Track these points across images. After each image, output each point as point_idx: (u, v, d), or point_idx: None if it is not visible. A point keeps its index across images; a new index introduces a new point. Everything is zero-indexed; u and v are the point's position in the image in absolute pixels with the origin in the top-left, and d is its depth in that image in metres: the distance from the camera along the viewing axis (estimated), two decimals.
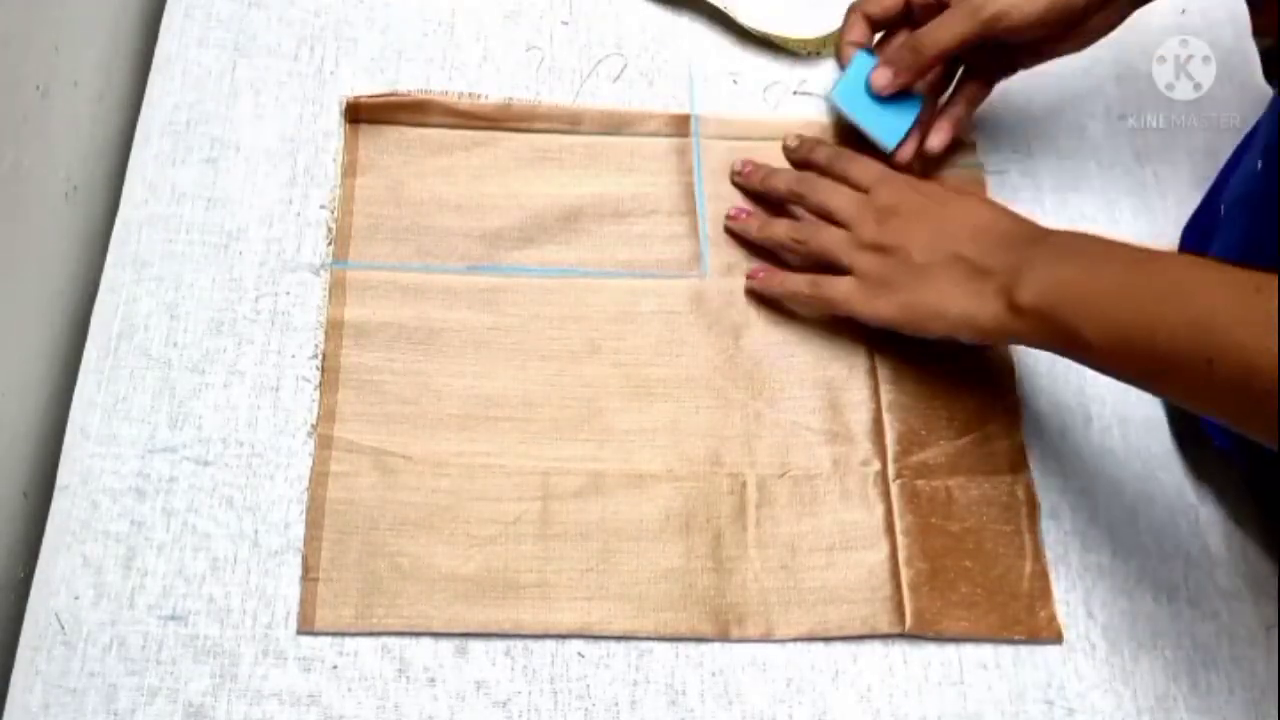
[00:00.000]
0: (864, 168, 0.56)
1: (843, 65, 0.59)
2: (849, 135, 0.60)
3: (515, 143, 0.58)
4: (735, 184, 0.59)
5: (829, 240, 0.54)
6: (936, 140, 0.58)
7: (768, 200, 0.58)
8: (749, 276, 0.56)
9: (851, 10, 0.59)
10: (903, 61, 0.56)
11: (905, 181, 0.55)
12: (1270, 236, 0.50)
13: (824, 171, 0.57)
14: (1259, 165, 0.51)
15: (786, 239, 0.55)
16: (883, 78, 0.56)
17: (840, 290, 0.53)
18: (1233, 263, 0.42)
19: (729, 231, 0.58)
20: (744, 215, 0.57)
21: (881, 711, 0.49)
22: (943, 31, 0.54)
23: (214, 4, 0.59)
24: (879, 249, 0.52)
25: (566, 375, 0.53)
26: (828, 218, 0.55)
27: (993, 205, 0.53)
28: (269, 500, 0.49)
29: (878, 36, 0.59)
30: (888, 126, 0.58)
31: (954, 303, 0.49)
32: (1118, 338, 0.44)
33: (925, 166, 0.60)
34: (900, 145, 0.58)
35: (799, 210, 0.57)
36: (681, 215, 0.58)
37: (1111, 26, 0.54)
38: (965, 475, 0.53)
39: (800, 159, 0.59)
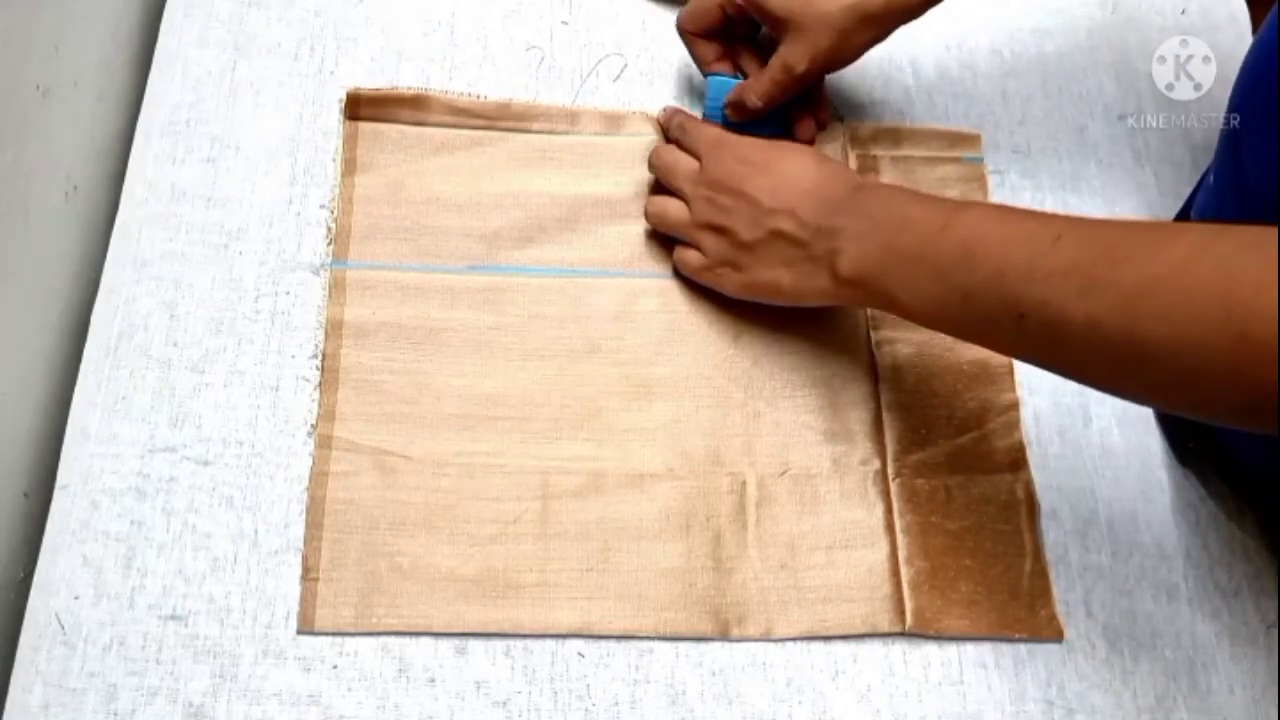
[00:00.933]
0: (697, 136, 0.56)
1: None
2: None
3: (515, 142, 0.58)
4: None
5: (675, 218, 0.55)
6: (804, 134, 0.59)
7: None
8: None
9: (680, 32, 0.59)
10: (742, 110, 0.57)
11: (730, 149, 0.54)
12: None
13: (675, 143, 0.58)
14: (1212, 179, 0.51)
15: (649, 219, 0.57)
16: (732, 109, 0.58)
17: (691, 263, 0.55)
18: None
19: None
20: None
21: (881, 711, 0.49)
22: (758, 88, 0.55)
23: (214, 4, 0.60)
24: (714, 230, 0.53)
25: (566, 375, 0.53)
26: (674, 193, 0.56)
27: (808, 162, 0.53)
28: (269, 500, 0.49)
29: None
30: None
31: (784, 279, 0.51)
32: (932, 303, 0.45)
33: (931, 163, 0.60)
34: None
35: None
36: None
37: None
38: (965, 474, 0.53)
39: (663, 133, 0.60)
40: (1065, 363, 0.42)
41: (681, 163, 0.56)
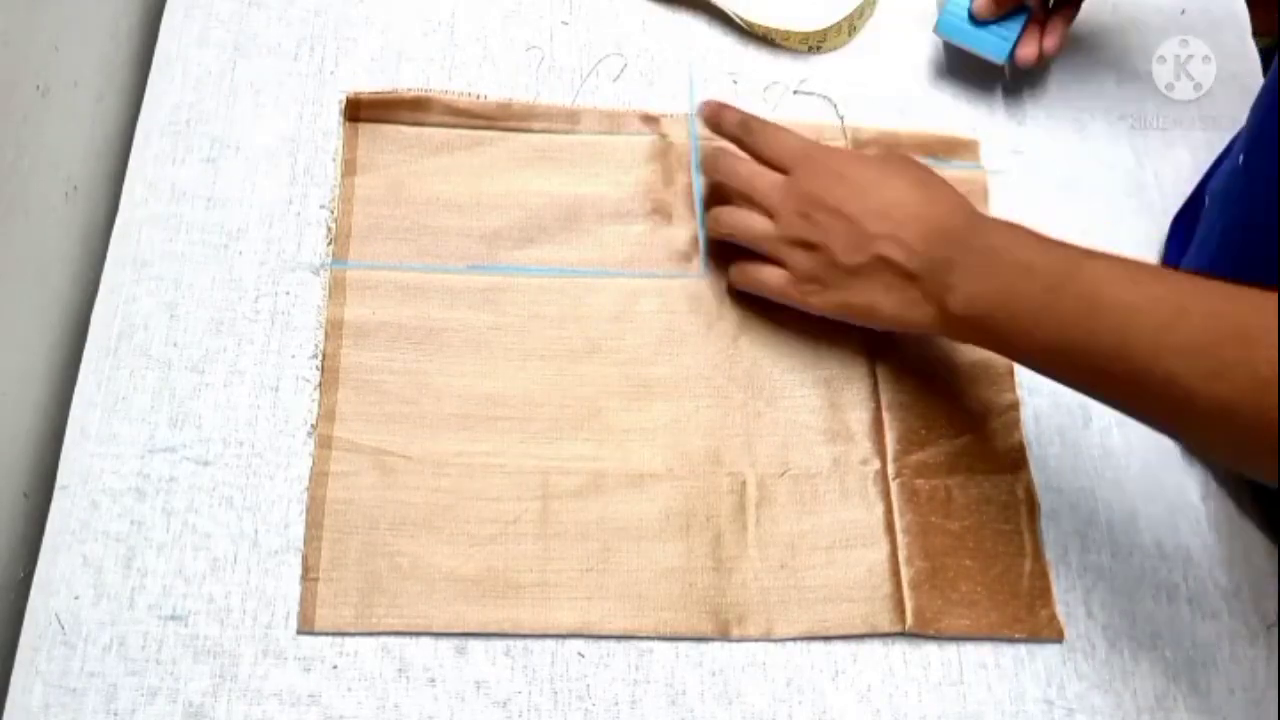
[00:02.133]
0: (780, 144, 0.53)
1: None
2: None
3: (515, 142, 0.58)
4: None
5: (757, 231, 0.53)
6: (1051, 42, 0.59)
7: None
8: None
9: None
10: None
11: (824, 161, 0.52)
12: (1246, 233, 0.50)
13: (740, 145, 0.55)
14: (1240, 160, 0.51)
15: (722, 228, 0.55)
16: (983, 6, 0.58)
17: (774, 281, 0.53)
18: (1210, 272, 0.42)
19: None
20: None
21: (881, 711, 0.49)
22: None
23: (214, 4, 0.59)
24: (805, 246, 0.51)
25: (566, 375, 0.53)
26: (751, 204, 0.53)
27: (915, 181, 0.51)
28: (269, 500, 0.49)
29: None
30: (995, 44, 0.59)
31: (886, 306, 0.50)
32: (1049, 354, 0.45)
33: None
34: (1013, 53, 0.59)
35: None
36: (681, 215, 0.58)
37: None
38: (965, 474, 0.53)
39: (714, 130, 0.57)
40: (1188, 436, 0.41)
41: (763, 174, 0.53)
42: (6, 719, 0.44)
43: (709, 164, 0.56)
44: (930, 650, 0.50)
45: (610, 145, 0.59)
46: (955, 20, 0.60)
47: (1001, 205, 0.60)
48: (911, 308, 0.49)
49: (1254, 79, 0.66)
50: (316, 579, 0.48)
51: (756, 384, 0.54)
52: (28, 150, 0.49)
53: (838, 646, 0.50)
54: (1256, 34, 0.68)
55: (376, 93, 0.58)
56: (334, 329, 0.53)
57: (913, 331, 0.50)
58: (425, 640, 0.48)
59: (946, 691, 0.49)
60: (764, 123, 0.55)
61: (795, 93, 0.62)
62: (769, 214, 0.52)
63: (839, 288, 0.51)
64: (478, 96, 0.59)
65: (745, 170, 0.54)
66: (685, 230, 0.57)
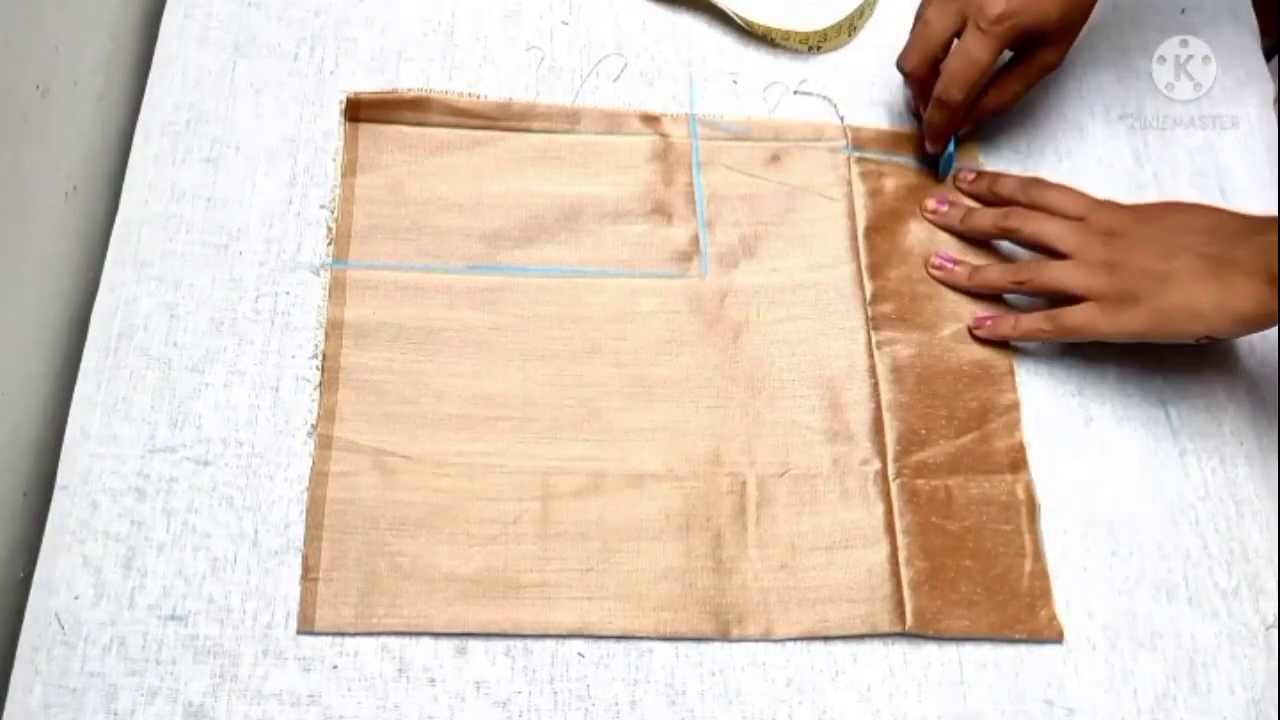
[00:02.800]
0: (1069, 196, 0.56)
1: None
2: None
3: (515, 142, 0.58)
4: (929, 220, 0.59)
5: (1057, 273, 0.54)
6: (991, 99, 0.59)
7: (967, 238, 0.59)
8: (975, 326, 0.57)
9: (903, 73, 0.59)
10: (936, 128, 0.57)
11: (1116, 204, 0.55)
12: None
13: (1018, 203, 0.57)
14: None
15: (1006, 282, 0.56)
16: (930, 148, 0.59)
17: (1081, 317, 0.53)
18: None
19: (936, 279, 0.58)
20: (949, 264, 0.58)
21: (881, 711, 0.49)
22: (956, 85, 0.55)
23: (214, 4, 0.59)
24: (1111, 267, 0.52)
25: (566, 375, 0.53)
26: (1044, 250, 0.55)
27: (1207, 207, 0.54)
28: (269, 500, 0.49)
29: None
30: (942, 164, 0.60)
31: (1207, 299, 0.50)
32: None
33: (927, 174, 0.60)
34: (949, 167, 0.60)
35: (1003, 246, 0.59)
36: (681, 215, 0.58)
37: None
38: (965, 475, 0.53)
39: (984, 191, 0.59)
40: None
41: (1057, 220, 0.55)
42: (6, 719, 0.44)
43: (967, 223, 0.58)
44: (930, 650, 0.50)
45: (610, 145, 0.59)
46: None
47: None
48: (1234, 292, 0.49)
49: (1254, 79, 0.66)
50: (316, 579, 0.48)
51: (757, 384, 0.54)
52: (28, 150, 0.49)
53: (838, 646, 0.50)
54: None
55: (377, 93, 0.58)
56: (334, 329, 0.53)
57: (1232, 328, 0.50)
58: (425, 640, 0.48)
59: (946, 691, 0.49)
60: (1047, 182, 0.58)
61: (795, 93, 0.62)
62: (1064, 255, 0.54)
63: (1152, 298, 0.51)
64: (478, 96, 0.59)
65: (1038, 217, 0.56)
66: (686, 230, 0.57)
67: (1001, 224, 0.57)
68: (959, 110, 0.56)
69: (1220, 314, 0.49)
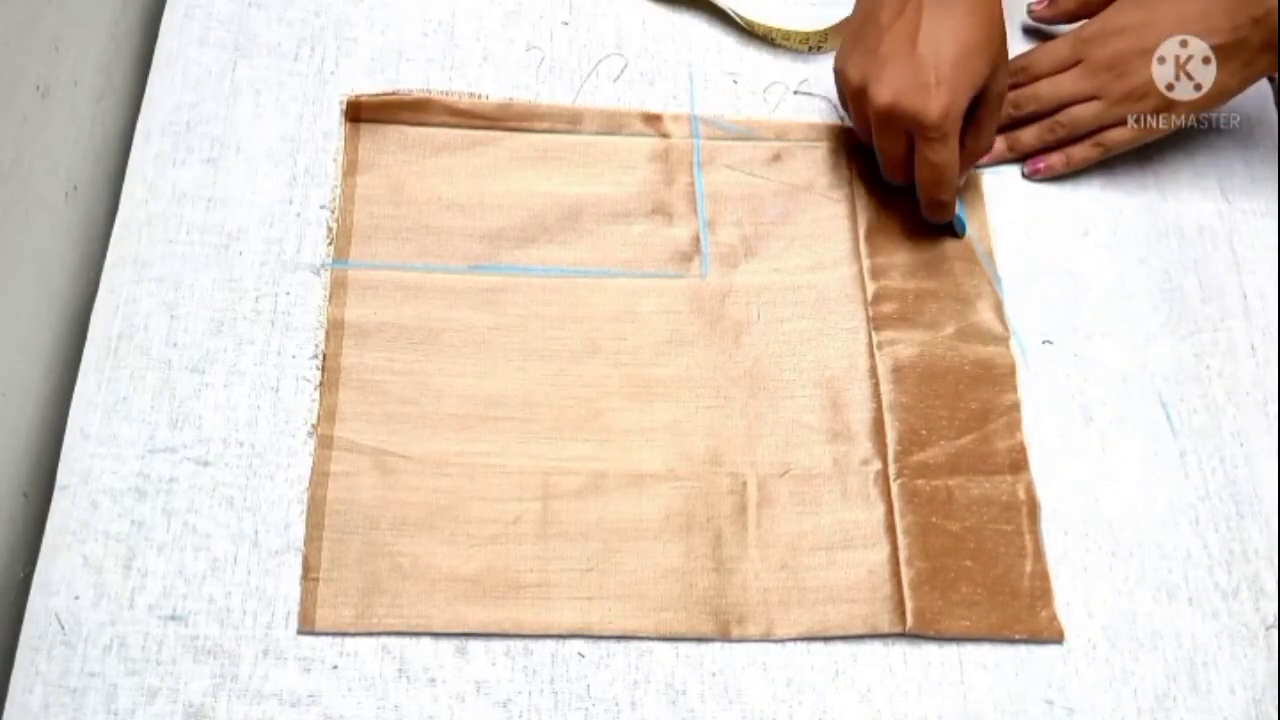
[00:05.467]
0: (1053, 53, 0.60)
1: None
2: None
3: (516, 142, 0.58)
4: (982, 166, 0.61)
5: (1086, 118, 0.59)
6: (975, 143, 0.58)
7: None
8: (1030, 170, 0.61)
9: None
10: (939, 215, 0.58)
11: (1098, 26, 0.59)
12: None
13: (1020, 87, 0.60)
14: None
15: (1042, 141, 0.60)
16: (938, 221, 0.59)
17: (1124, 136, 0.59)
18: None
19: (1041, 178, 0.61)
20: (1040, 165, 0.61)
21: (881, 711, 0.49)
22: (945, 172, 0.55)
23: (214, 4, 0.59)
24: (1133, 95, 0.57)
25: (567, 375, 0.53)
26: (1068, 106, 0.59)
27: None
28: (269, 500, 0.49)
29: None
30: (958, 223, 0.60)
31: (1230, 80, 0.56)
32: None
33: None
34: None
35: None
36: (682, 215, 0.58)
37: None
38: (965, 475, 0.53)
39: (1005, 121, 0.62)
40: None
41: (1057, 79, 0.59)
42: (6, 719, 0.44)
43: (1016, 149, 0.61)
44: (930, 650, 0.50)
45: (611, 145, 0.59)
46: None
47: (1000, 205, 0.60)
48: (1252, 66, 0.56)
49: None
50: (317, 579, 0.48)
51: (757, 384, 0.54)
52: (28, 150, 0.49)
53: (838, 646, 0.50)
54: None
55: (377, 95, 0.58)
56: (334, 329, 0.53)
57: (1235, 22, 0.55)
58: (425, 640, 0.48)
59: (946, 691, 0.49)
60: (1024, 55, 0.61)
61: (795, 93, 0.62)
62: (1088, 100, 0.59)
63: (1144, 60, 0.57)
64: (478, 97, 0.59)
65: (1044, 86, 0.60)
66: (686, 230, 0.57)
67: (1024, 106, 0.60)
68: (952, 200, 0.57)
69: (1247, 81, 0.56)
